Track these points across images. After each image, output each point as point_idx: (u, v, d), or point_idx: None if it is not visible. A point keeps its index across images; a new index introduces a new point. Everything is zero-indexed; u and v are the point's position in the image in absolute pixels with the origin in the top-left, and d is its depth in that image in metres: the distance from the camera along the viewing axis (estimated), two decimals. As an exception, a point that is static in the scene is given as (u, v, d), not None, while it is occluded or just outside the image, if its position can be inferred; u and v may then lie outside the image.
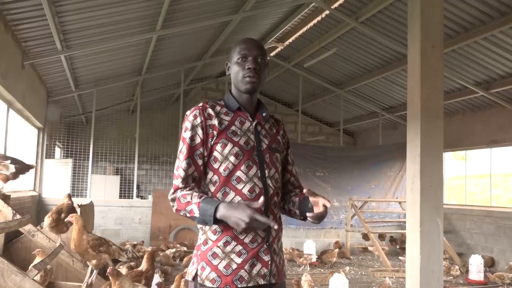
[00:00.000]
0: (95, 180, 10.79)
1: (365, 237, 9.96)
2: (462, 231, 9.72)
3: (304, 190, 1.74)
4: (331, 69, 10.81)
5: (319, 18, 8.65)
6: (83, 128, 12.21)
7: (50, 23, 5.74)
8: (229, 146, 1.74)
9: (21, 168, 4.02)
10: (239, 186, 1.72)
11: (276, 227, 1.55)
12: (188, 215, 1.66)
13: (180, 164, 1.74)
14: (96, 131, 10.56)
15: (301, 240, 9.99)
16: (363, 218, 9.54)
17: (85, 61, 8.18)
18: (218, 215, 1.59)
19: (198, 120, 1.75)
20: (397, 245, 10.19)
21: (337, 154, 11.16)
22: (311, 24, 9.01)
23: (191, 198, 1.65)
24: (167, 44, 8.59)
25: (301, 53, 10.45)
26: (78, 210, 4.77)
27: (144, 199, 11.64)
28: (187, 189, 1.70)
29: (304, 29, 9.28)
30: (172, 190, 1.73)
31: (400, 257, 9.26)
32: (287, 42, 10.09)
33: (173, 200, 1.71)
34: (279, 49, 10.50)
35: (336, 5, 8.01)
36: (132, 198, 10.60)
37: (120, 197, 11.35)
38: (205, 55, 10.15)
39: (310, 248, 8.82)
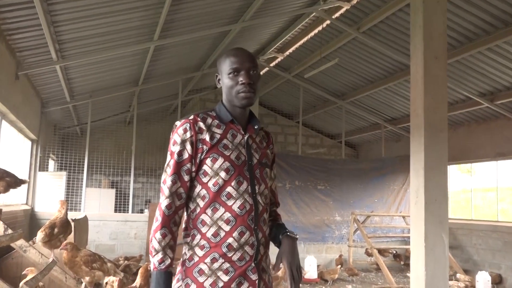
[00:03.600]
0: (90, 194, 10.74)
1: (369, 253, 9.90)
2: (468, 247, 9.67)
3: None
4: (333, 79, 10.85)
5: (320, 28, 8.71)
6: (78, 140, 12.21)
7: (46, 33, 5.76)
8: (220, 160, 1.73)
9: (13, 182, 4.00)
10: (229, 202, 1.72)
11: None
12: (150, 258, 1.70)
13: (166, 179, 1.73)
14: (91, 143, 10.55)
15: (301, 256, 9.90)
16: (366, 233, 9.50)
17: (80, 71, 8.20)
18: None
19: (188, 134, 1.74)
20: (401, 261, 10.13)
21: (339, 167, 11.15)
22: (312, 34, 9.07)
23: (158, 251, 1.67)
24: (165, 54, 8.63)
25: (302, 63, 10.50)
26: (72, 224, 4.75)
27: (142, 212, 11.60)
28: (166, 229, 1.69)
29: (305, 39, 9.34)
30: (158, 212, 1.72)
31: (408, 274, 9.19)
32: (287, 52, 10.14)
33: (156, 223, 1.71)
34: (279, 59, 10.55)
35: (337, 14, 8.08)
36: (128, 212, 10.56)
37: (116, 211, 11.30)
38: (203, 65, 10.19)
39: (311, 264, 8.76)
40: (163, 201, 1.71)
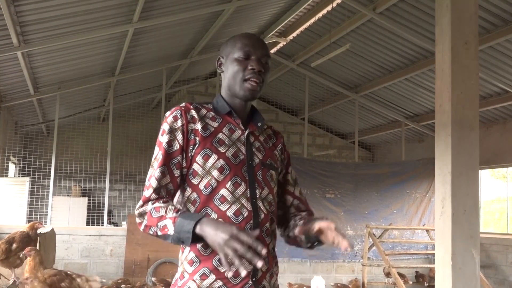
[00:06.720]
0: (58, 203, 10.73)
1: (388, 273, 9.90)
2: (504, 266, 9.67)
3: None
4: (344, 69, 10.85)
5: (329, 7, 8.69)
6: (44, 140, 12.18)
7: (5, 13, 5.74)
8: (213, 157, 1.73)
9: None
10: (223, 207, 1.71)
11: (264, 251, 1.45)
12: (159, 233, 1.62)
13: (154, 173, 1.72)
14: (59, 144, 10.53)
15: (307, 276, 9.91)
16: (383, 250, 9.49)
17: (46, 58, 8.19)
18: (198, 230, 1.53)
19: (179, 122, 1.75)
20: (424, 283, 10.13)
21: (351, 171, 11.13)
22: (320, 15, 9.06)
23: (166, 212, 1.62)
24: (146, 38, 8.62)
25: (308, 49, 10.50)
26: (37, 239, 4.73)
27: (117, 226, 11.57)
28: (161, 201, 1.68)
29: (311, 21, 9.33)
30: (140, 203, 1.70)
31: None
32: (290, 37, 10.13)
33: (142, 214, 1.68)
34: (281, 45, 10.55)
35: (349, -8, 8.07)
36: (103, 225, 10.53)
37: (88, 223, 11.28)
38: (191, 52, 10.18)
39: (319, 286, 8.75)
40: (150, 195, 1.70)
